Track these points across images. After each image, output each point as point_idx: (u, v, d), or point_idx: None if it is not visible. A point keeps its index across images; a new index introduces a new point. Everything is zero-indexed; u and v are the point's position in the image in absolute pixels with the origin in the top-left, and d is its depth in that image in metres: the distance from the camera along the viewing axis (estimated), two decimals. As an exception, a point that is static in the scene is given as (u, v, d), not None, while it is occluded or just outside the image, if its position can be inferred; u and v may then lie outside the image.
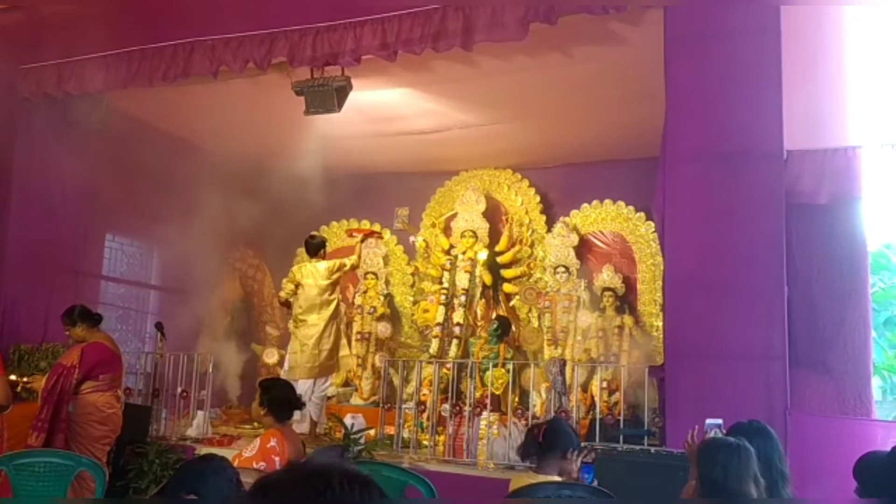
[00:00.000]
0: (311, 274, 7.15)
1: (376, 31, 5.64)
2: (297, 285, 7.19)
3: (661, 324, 6.86)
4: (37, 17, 7.00)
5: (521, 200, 8.99)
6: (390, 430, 6.70)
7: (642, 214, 8.26)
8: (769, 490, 2.91)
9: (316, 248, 7.36)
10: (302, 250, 9.59)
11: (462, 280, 8.60)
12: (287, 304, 7.42)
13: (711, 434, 2.94)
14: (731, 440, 2.77)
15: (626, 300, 8.17)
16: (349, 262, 7.28)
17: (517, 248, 8.81)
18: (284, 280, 7.58)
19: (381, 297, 9.21)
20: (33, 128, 7.02)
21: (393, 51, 5.66)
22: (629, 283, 8.24)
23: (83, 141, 7.34)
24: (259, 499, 1.13)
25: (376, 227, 9.27)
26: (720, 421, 3.06)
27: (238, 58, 6.08)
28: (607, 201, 8.52)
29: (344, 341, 7.58)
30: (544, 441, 3.54)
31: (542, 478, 3.48)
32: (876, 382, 10.05)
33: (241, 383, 8.44)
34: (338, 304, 7.21)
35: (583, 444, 5.03)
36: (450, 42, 5.44)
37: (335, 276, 7.13)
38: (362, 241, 7.91)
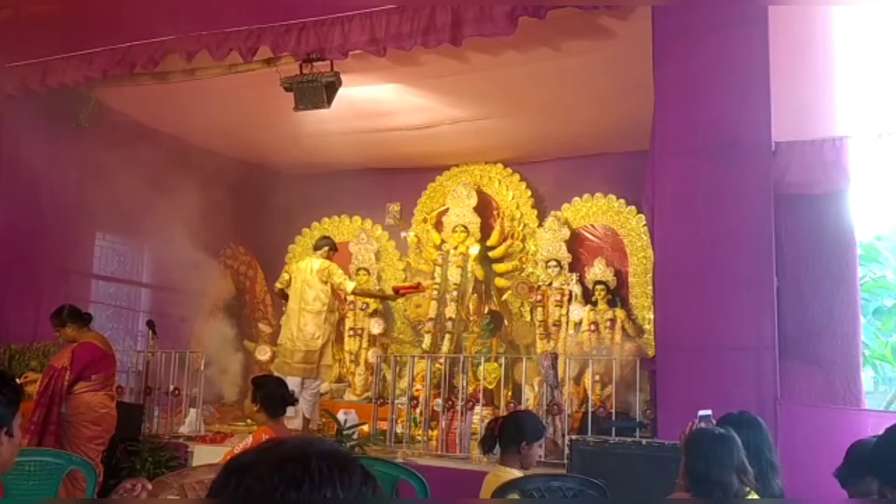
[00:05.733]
0: (304, 269, 7.18)
1: (365, 27, 5.63)
2: (291, 277, 7.24)
3: (652, 317, 6.88)
4: (22, 15, 6.95)
5: (512, 195, 8.99)
6: (383, 425, 6.71)
7: (633, 208, 8.27)
8: (759, 481, 2.92)
9: (317, 245, 7.42)
10: (294, 247, 9.69)
11: (454, 275, 8.60)
12: (283, 296, 7.43)
13: (701, 425, 2.94)
14: (716, 431, 2.78)
15: (617, 293, 8.18)
16: (344, 284, 7.16)
17: (509, 242, 8.81)
18: (283, 270, 7.65)
19: (374, 293, 9.20)
20: (20, 126, 6.98)
21: (382, 46, 5.65)
22: (621, 277, 8.25)
23: (71, 139, 7.31)
24: (232, 486, 1.05)
25: (422, 281, 8.45)
26: (710, 412, 3.07)
27: (227, 53, 6.06)
28: (598, 195, 8.52)
29: (332, 351, 7.54)
30: (500, 436, 3.67)
31: (508, 471, 3.56)
32: (868, 373, 10.11)
33: (233, 380, 8.44)
34: (328, 309, 7.16)
35: (575, 437, 5.07)
36: (439, 37, 5.42)
37: (324, 278, 7.11)
38: (401, 296, 7.89)
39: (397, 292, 7.75)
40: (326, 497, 1.03)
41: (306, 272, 7.14)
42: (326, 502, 1.03)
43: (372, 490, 1.08)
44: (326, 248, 7.31)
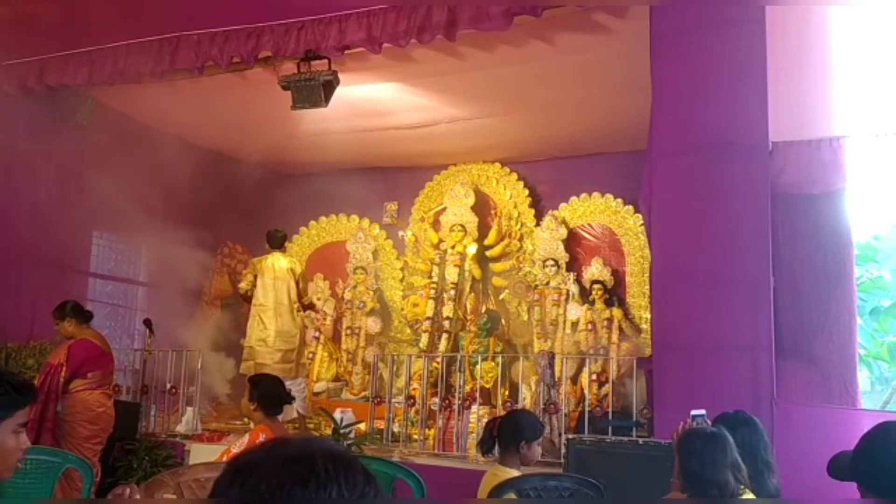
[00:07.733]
0: (272, 267, 7.20)
1: (362, 24, 5.64)
2: (257, 277, 7.26)
3: (649, 316, 6.88)
4: (20, 13, 6.94)
5: (509, 194, 8.98)
6: (380, 424, 6.71)
7: (630, 207, 8.26)
8: (755, 480, 2.92)
9: (277, 241, 7.46)
10: (290, 245, 9.66)
11: (451, 274, 8.59)
12: (247, 298, 7.42)
13: (695, 425, 2.94)
14: (708, 429, 2.78)
15: (615, 293, 8.18)
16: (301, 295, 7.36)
17: (506, 241, 8.80)
18: (245, 271, 7.61)
19: (371, 292, 9.19)
20: (17, 124, 6.96)
21: (378, 43, 5.66)
22: (618, 276, 8.25)
23: (68, 137, 7.30)
24: (237, 485, 1.06)
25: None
26: (704, 411, 3.07)
27: (224, 53, 6.06)
28: (595, 194, 8.52)
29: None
30: (499, 435, 3.68)
31: (506, 471, 3.56)
32: (864, 373, 10.12)
33: (230, 379, 8.43)
34: (298, 311, 7.23)
35: (572, 437, 5.07)
36: (434, 34, 5.43)
37: (295, 275, 7.17)
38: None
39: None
40: (332, 496, 1.04)
41: (275, 269, 7.16)
42: (332, 502, 1.05)
43: (374, 490, 1.10)
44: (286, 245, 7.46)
